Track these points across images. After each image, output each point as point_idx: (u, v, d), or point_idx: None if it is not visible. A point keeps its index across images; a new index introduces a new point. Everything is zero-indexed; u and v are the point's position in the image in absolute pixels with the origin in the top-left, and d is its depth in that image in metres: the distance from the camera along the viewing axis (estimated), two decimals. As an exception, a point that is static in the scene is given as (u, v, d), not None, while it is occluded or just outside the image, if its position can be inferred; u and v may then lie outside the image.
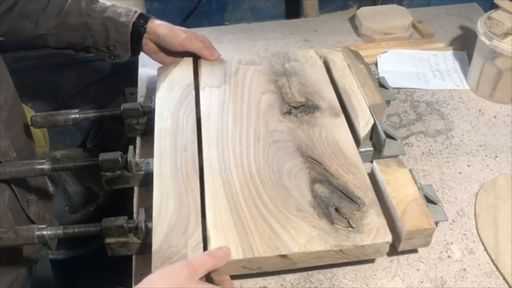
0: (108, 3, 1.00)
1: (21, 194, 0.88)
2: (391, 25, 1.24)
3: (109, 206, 1.59)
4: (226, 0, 1.61)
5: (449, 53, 1.20)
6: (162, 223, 0.74)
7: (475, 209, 0.86)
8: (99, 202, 1.59)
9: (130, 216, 0.79)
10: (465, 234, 0.83)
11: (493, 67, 1.03)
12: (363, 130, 0.89)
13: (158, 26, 0.99)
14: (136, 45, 1.00)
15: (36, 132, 1.54)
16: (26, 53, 1.57)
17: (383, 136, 0.87)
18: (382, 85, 1.00)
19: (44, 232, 0.75)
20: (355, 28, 1.30)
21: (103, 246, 0.77)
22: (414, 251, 0.80)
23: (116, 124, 1.65)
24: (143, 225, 0.76)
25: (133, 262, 0.79)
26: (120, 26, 0.97)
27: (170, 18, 1.59)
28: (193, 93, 0.96)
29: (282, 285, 0.76)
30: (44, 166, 0.83)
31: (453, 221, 0.85)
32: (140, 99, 1.11)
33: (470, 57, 1.13)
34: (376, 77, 1.01)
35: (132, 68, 1.20)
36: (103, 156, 0.85)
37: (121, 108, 0.95)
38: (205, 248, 0.71)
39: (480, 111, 1.06)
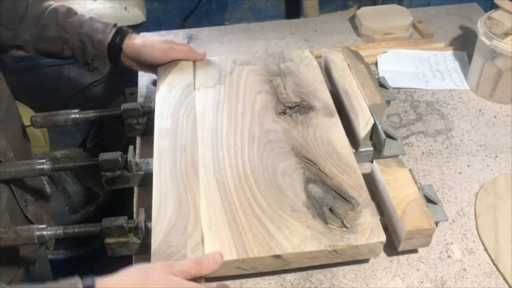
0: (86, 16, 0.98)
1: (20, 194, 0.88)
2: (391, 25, 1.24)
3: (109, 206, 1.59)
4: (226, 0, 1.61)
5: (449, 53, 1.20)
6: (162, 223, 0.74)
7: (475, 209, 0.86)
8: (99, 202, 1.59)
9: (130, 216, 0.79)
10: (465, 234, 0.83)
11: (493, 67, 1.03)
12: (363, 130, 0.89)
13: (135, 44, 0.98)
14: (115, 60, 1.00)
15: (36, 132, 1.54)
16: (26, 53, 1.57)
17: (383, 136, 0.87)
18: (382, 85, 1.00)
19: (44, 232, 0.75)
20: (355, 28, 1.30)
21: (103, 246, 0.77)
22: (414, 251, 0.80)
23: (116, 124, 1.65)
24: (143, 225, 0.76)
25: (133, 262, 0.79)
26: (97, 43, 0.96)
27: (170, 18, 1.61)
28: (193, 93, 0.96)
29: (282, 285, 0.76)
30: (44, 166, 0.83)
31: (453, 221, 0.85)
32: (140, 99, 1.11)
33: (470, 57, 1.13)
34: (376, 77, 1.01)
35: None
36: (103, 156, 0.85)
37: (121, 108, 0.95)
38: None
39: (480, 111, 1.06)
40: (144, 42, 0.99)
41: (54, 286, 0.62)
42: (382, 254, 0.79)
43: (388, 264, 0.79)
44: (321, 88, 0.97)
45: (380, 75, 1.04)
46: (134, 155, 0.87)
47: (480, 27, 1.03)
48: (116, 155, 0.85)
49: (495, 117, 1.05)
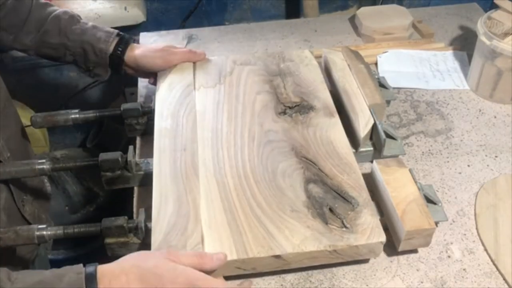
0: (89, 24, 0.99)
1: (17, 194, 0.88)
2: (391, 25, 1.24)
3: (109, 206, 1.59)
4: (226, 0, 1.61)
5: (449, 53, 1.20)
6: (162, 223, 0.74)
7: (475, 209, 0.86)
8: (99, 202, 1.59)
9: (130, 216, 0.79)
10: (465, 234, 0.83)
11: (493, 67, 1.03)
12: (363, 130, 0.89)
13: (136, 55, 0.98)
14: (116, 68, 1.00)
15: (36, 132, 1.54)
16: (28, 55, 1.57)
17: (383, 136, 0.87)
18: (382, 85, 1.00)
19: (44, 232, 0.75)
20: (355, 28, 1.30)
21: (103, 246, 0.77)
22: (414, 251, 0.80)
23: (116, 124, 1.65)
24: (143, 225, 0.76)
25: (133, 262, 0.79)
26: (98, 51, 0.97)
27: (170, 18, 1.60)
28: (193, 93, 0.96)
29: (282, 285, 0.76)
30: (44, 166, 0.83)
31: (453, 221, 0.85)
32: (140, 99, 1.11)
33: (470, 57, 1.13)
34: (376, 77, 1.01)
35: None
36: (103, 156, 0.85)
37: (121, 108, 0.95)
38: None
39: (480, 111, 1.06)
40: (144, 52, 1.00)
41: (57, 272, 0.63)
42: (382, 254, 0.79)
43: (388, 264, 0.79)
44: (321, 88, 0.97)
45: (380, 75, 1.04)
46: (134, 155, 0.87)
47: (480, 27, 1.03)
48: (116, 155, 0.85)
49: (495, 117, 1.05)
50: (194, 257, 0.67)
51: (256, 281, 0.76)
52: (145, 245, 0.76)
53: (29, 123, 0.95)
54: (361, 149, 0.91)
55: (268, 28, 1.33)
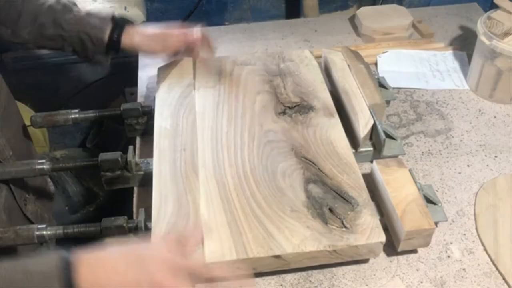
0: (83, 12, 0.97)
1: (19, 193, 0.88)
2: (391, 25, 1.24)
3: (109, 206, 1.59)
4: (226, 0, 1.61)
5: (449, 53, 1.20)
6: (161, 223, 0.74)
7: (474, 209, 0.86)
8: (99, 202, 1.59)
9: (130, 216, 0.79)
10: (464, 234, 0.83)
11: (493, 67, 1.03)
12: (363, 130, 0.89)
13: (133, 42, 0.97)
14: (116, 51, 0.98)
15: (36, 132, 1.54)
16: (26, 53, 1.57)
17: (383, 136, 0.87)
18: (382, 85, 1.00)
19: (44, 232, 0.75)
20: (355, 28, 1.30)
21: (102, 246, 0.77)
22: (414, 251, 0.80)
23: (116, 124, 1.65)
24: (143, 225, 0.76)
25: (133, 262, 0.79)
26: (95, 40, 0.95)
27: (170, 18, 1.60)
28: (193, 93, 0.96)
29: (281, 285, 0.76)
30: (44, 166, 0.84)
31: (453, 221, 0.85)
32: (140, 99, 1.11)
33: (470, 57, 1.13)
34: (376, 77, 1.01)
35: (132, 68, 1.20)
36: (103, 156, 0.85)
37: (121, 108, 0.95)
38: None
39: (480, 111, 1.06)
40: (142, 40, 0.98)
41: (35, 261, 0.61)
42: (382, 254, 0.79)
43: (388, 264, 0.79)
44: (321, 88, 0.97)
45: (380, 75, 1.04)
46: (134, 155, 0.87)
47: (480, 27, 1.03)
48: (116, 155, 0.85)
49: (495, 117, 1.05)
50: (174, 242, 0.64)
51: (256, 281, 0.76)
52: (145, 245, 0.76)
53: (29, 123, 0.95)
54: (361, 149, 0.91)
55: (268, 28, 1.33)
